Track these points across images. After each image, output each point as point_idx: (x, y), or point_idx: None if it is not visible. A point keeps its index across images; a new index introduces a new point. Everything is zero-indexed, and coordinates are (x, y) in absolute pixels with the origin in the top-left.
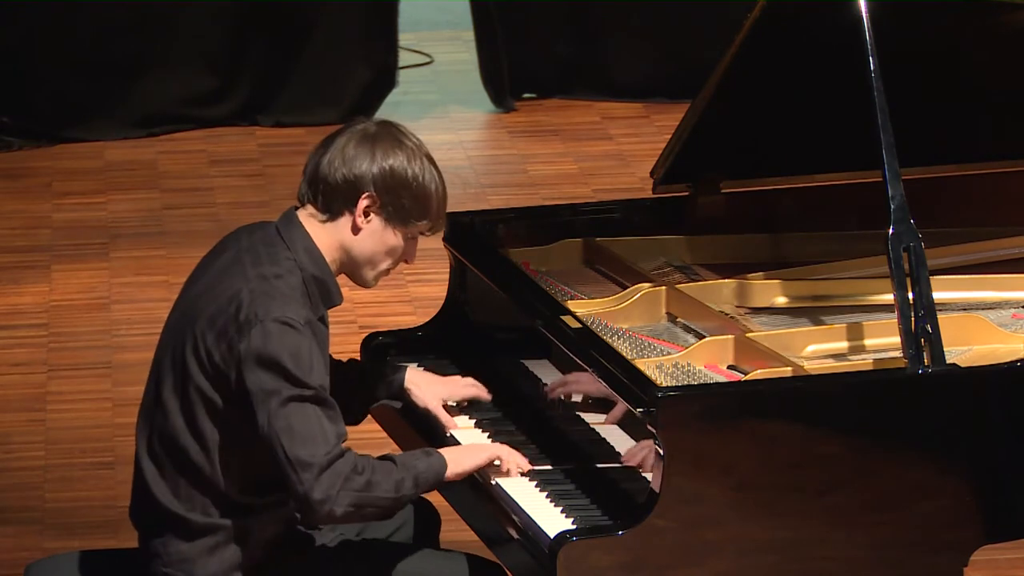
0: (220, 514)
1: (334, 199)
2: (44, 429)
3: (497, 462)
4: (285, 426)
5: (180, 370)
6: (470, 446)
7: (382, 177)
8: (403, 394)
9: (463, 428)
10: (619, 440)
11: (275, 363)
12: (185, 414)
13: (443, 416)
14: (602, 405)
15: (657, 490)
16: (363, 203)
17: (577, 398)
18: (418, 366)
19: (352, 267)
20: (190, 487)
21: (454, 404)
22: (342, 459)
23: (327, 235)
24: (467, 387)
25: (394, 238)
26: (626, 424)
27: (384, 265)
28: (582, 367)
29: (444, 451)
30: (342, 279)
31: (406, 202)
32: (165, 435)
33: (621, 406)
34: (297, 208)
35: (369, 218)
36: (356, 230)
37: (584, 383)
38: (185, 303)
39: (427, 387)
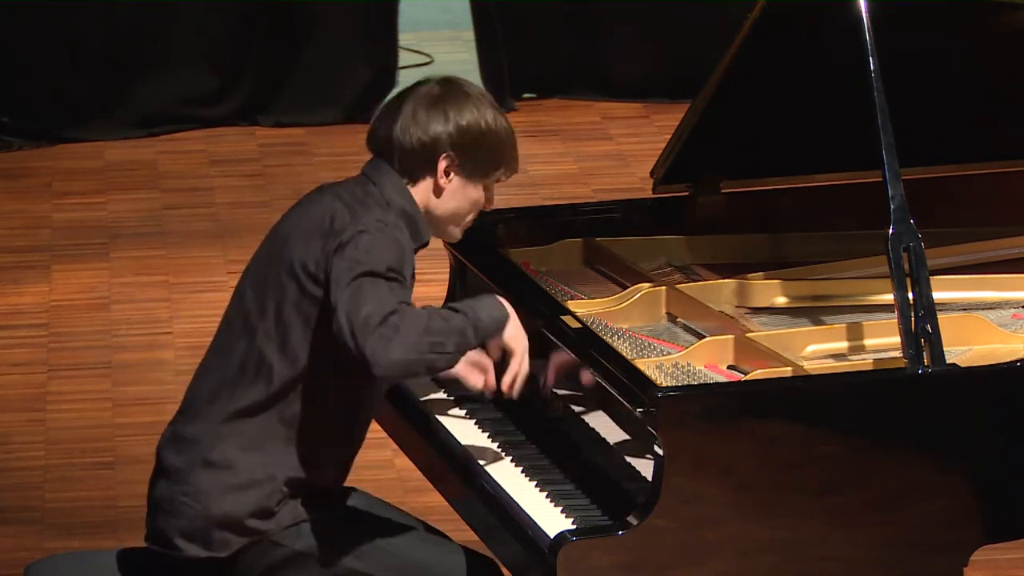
0: (257, 456)
1: (413, 164)
2: (44, 429)
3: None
4: (352, 292)
5: (276, 296)
6: (521, 330)
7: (459, 135)
8: None
9: (463, 428)
10: (618, 437)
11: (362, 246)
12: (277, 337)
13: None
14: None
15: (657, 490)
16: (443, 164)
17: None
18: None
19: (436, 225)
20: (250, 415)
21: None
22: (397, 313)
23: (412, 195)
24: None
25: (476, 191)
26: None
27: (469, 218)
28: (581, 367)
29: (511, 309)
30: None
31: (483, 155)
32: (247, 359)
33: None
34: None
35: (450, 177)
36: (439, 191)
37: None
38: (272, 240)
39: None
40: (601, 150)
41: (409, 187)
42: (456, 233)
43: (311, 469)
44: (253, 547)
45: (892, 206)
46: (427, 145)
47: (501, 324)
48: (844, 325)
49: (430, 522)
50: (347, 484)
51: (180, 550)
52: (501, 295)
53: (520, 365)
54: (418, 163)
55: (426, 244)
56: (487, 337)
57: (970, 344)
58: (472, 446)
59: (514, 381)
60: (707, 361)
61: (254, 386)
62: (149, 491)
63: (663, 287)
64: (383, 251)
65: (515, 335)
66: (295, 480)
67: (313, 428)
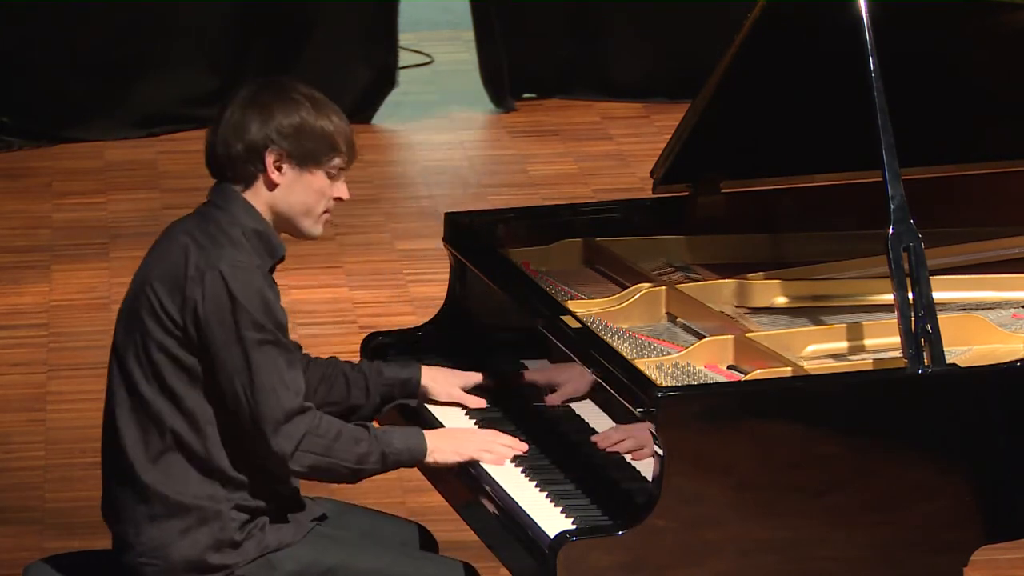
0: (194, 491)
1: (244, 169)
2: (44, 429)
3: (486, 456)
4: (247, 379)
5: (141, 337)
6: (461, 436)
7: (277, 128)
8: (420, 392)
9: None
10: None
11: (231, 307)
12: (155, 379)
13: (468, 399)
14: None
15: (657, 490)
16: (270, 159)
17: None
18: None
19: (290, 223)
20: (164, 457)
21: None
22: (302, 416)
23: (252, 200)
24: (479, 377)
25: (317, 180)
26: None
27: (320, 208)
28: (581, 367)
29: (431, 437)
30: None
31: (308, 142)
32: (136, 409)
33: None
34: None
35: (283, 171)
36: (273, 186)
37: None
38: (133, 284)
39: (444, 381)
40: (601, 150)
41: (249, 197)
42: (315, 229)
43: (251, 489)
44: None
45: (892, 206)
46: (250, 147)
47: (417, 454)
48: (844, 325)
49: (430, 522)
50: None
51: None
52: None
53: (498, 455)
54: (248, 166)
55: (282, 259)
56: (401, 464)
57: (970, 344)
58: None
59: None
60: (707, 361)
61: (152, 433)
62: (116, 559)
63: (663, 287)
64: (252, 302)
65: (444, 455)
66: (244, 506)
67: (230, 453)
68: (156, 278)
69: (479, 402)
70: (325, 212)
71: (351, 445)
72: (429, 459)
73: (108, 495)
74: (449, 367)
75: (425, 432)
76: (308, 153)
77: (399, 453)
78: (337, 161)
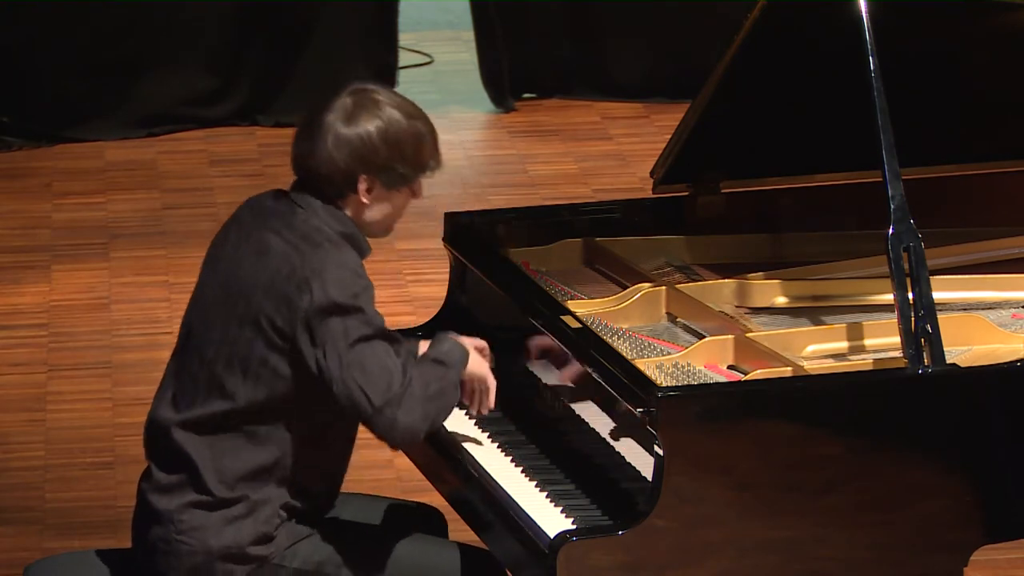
0: (249, 487)
1: (335, 188)
2: (44, 429)
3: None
4: (359, 371)
5: (242, 343)
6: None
7: (372, 155)
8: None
9: (463, 428)
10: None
11: (340, 306)
12: (241, 380)
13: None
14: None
15: (657, 490)
16: (362, 186)
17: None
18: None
19: (370, 232)
20: (228, 458)
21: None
22: (411, 386)
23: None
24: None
25: (402, 197)
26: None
27: (397, 219)
28: (581, 367)
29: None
30: None
31: (400, 167)
32: (217, 410)
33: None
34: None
35: (372, 194)
36: (363, 208)
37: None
38: (227, 279)
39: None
40: (601, 150)
41: (338, 207)
42: (385, 234)
43: (301, 494)
44: (255, 573)
45: (892, 206)
46: (346, 173)
47: (466, 359)
48: (844, 325)
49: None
50: (346, 484)
51: None
52: (502, 294)
53: (487, 388)
54: (339, 187)
55: (368, 254)
56: (462, 374)
57: (970, 344)
58: (472, 446)
59: (483, 402)
60: (707, 361)
61: (227, 436)
62: (138, 533)
63: (663, 287)
64: (358, 304)
65: (474, 368)
66: (289, 505)
67: (296, 460)
68: (261, 291)
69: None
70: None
71: (440, 378)
72: (468, 368)
73: (156, 471)
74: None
75: (451, 340)
76: (399, 178)
77: (460, 362)
78: (423, 175)
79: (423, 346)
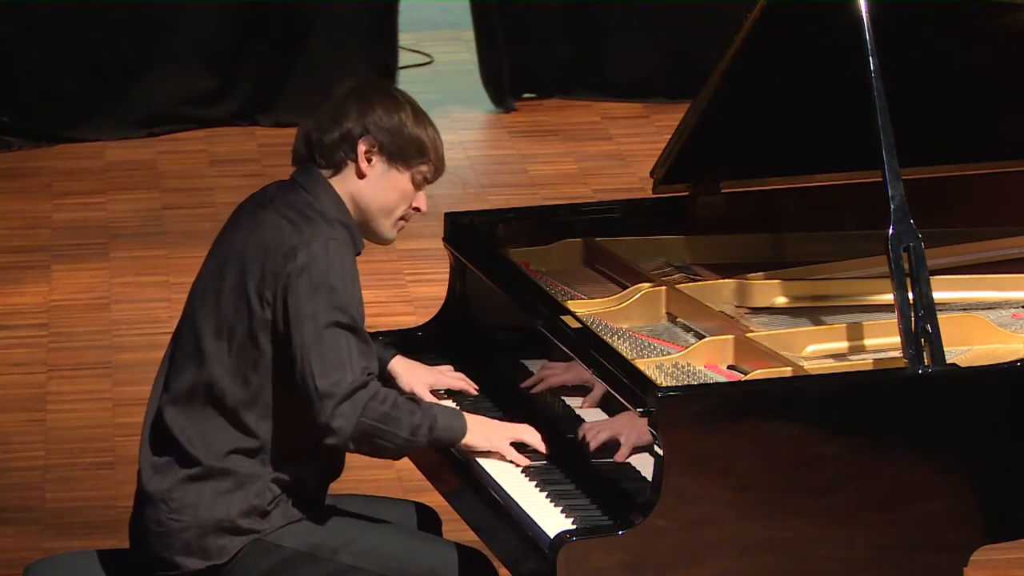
0: (237, 460)
1: (334, 153)
2: (44, 429)
3: (511, 452)
4: (317, 353)
5: (230, 312)
6: (497, 427)
7: (375, 122)
8: (386, 374)
9: None
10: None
11: (320, 283)
12: (228, 356)
13: (430, 399)
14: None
15: (657, 490)
16: (362, 147)
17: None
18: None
19: (368, 220)
20: (214, 431)
21: (442, 391)
22: (364, 389)
23: (337, 188)
24: (455, 379)
25: (402, 180)
26: (607, 407)
27: (399, 211)
28: (581, 366)
29: (471, 420)
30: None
31: (401, 141)
32: (200, 381)
33: (600, 388)
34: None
35: (372, 162)
36: (361, 175)
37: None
38: (223, 251)
39: (412, 373)
40: (601, 150)
41: (335, 184)
42: (390, 232)
43: (291, 470)
44: (250, 550)
45: (892, 206)
46: (346, 133)
47: (458, 433)
48: (844, 325)
49: None
50: (347, 484)
51: (180, 567)
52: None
53: (507, 453)
54: (339, 152)
55: (360, 251)
56: (442, 442)
57: (970, 344)
58: None
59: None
60: (707, 361)
61: (210, 409)
62: (133, 521)
63: (663, 287)
64: (340, 282)
65: (476, 440)
66: (282, 480)
67: (282, 436)
68: (250, 260)
69: (437, 401)
70: (402, 218)
71: (407, 415)
72: (463, 442)
73: (150, 449)
74: (447, 365)
75: (465, 414)
76: (399, 151)
77: (443, 430)
78: (424, 168)
79: (398, 361)
